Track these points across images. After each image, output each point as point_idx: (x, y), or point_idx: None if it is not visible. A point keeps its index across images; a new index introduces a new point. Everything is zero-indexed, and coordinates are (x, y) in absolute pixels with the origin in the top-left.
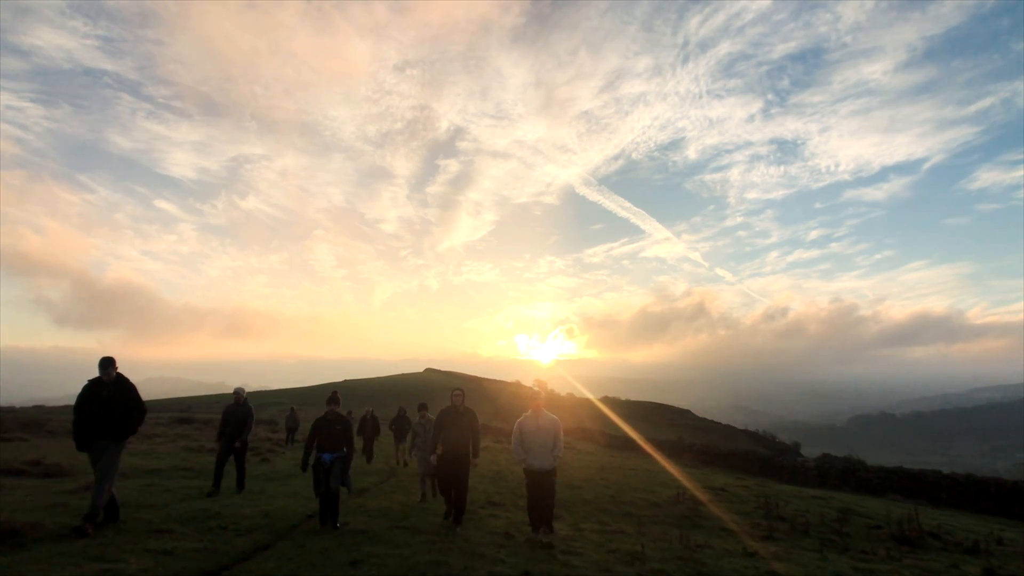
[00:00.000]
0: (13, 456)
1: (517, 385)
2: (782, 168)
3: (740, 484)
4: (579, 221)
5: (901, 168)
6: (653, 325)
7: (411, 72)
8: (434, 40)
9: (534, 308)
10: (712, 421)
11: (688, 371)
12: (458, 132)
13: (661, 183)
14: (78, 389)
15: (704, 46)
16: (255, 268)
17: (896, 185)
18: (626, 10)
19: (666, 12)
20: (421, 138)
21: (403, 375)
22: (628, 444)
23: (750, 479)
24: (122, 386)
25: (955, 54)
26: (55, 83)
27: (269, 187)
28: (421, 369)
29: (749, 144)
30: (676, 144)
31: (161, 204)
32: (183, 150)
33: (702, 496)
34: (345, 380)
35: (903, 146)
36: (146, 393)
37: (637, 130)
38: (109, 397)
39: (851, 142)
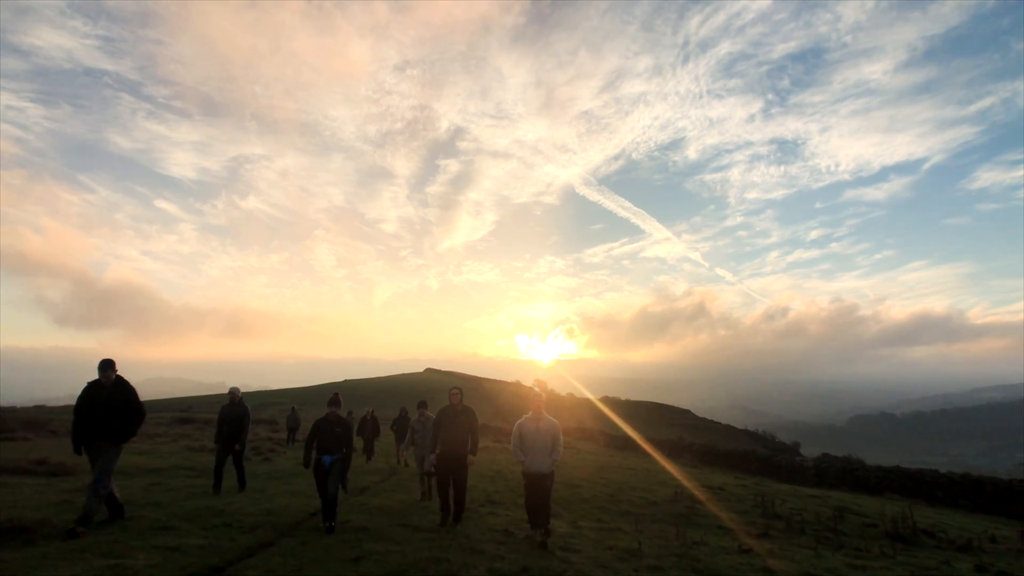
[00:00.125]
0: (18, 455)
1: (517, 385)
2: (782, 168)
3: (738, 483)
4: (579, 221)
5: (901, 168)
6: (653, 325)
7: (411, 72)
8: (434, 40)
9: (534, 308)
10: (712, 421)
11: (688, 371)
12: (458, 132)
13: (661, 183)
14: (78, 389)
15: (704, 46)
16: (255, 268)
17: (896, 185)
18: (626, 10)
19: (666, 12)
20: (421, 138)
21: (403, 375)
22: (628, 444)
23: (748, 478)
24: (121, 389)
25: (955, 54)
26: (55, 83)
27: (269, 187)
28: (421, 369)
29: (749, 144)
30: (676, 144)
31: (161, 204)
32: (183, 150)
33: (700, 495)
34: (345, 380)
35: (903, 146)
36: (146, 393)
37: (637, 130)
38: (108, 399)
39: (851, 142)
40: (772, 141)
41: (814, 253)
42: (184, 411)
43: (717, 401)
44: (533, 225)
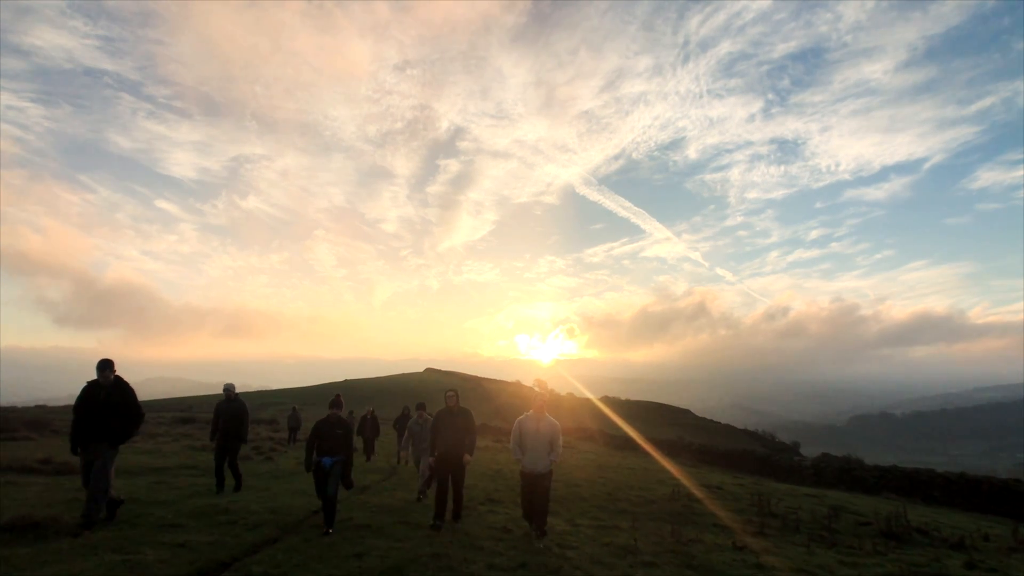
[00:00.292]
0: (23, 454)
1: (517, 385)
2: (782, 168)
3: (736, 482)
4: (579, 221)
5: (902, 168)
6: (653, 325)
7: (411, 72)
8: (435, 40)
9: (534, 308)
10: (712, 421)
11: (689, 371)
12: (458, 132)
13: (661, 183)
14: (79, 389)
15: (704, 46)
16: (255, 268)
17: (897, 185)
18: (626, 10)
19: (666, 12)
20: (421, 138)
21: (403, 375)
22: (627, 444)
23: (747, 478)
24: (120, 390)
25: (956, 54)
26: (55, 83)
27: (269, 187)
28: (421, 369)
29: (749, 144)
30: (676, 144)
31: (161, 204)
32: (183, 150)
33: (698, 493)
34: (346, 380)
35: (904, 146)
36: (147, 393)
37: (637, 130)
38: (106, 400)
39: (852, 142)
40: (772, 141)
41: (814, 253)
42: (184, 411)
43: (717, 401)
44: (533, 225)
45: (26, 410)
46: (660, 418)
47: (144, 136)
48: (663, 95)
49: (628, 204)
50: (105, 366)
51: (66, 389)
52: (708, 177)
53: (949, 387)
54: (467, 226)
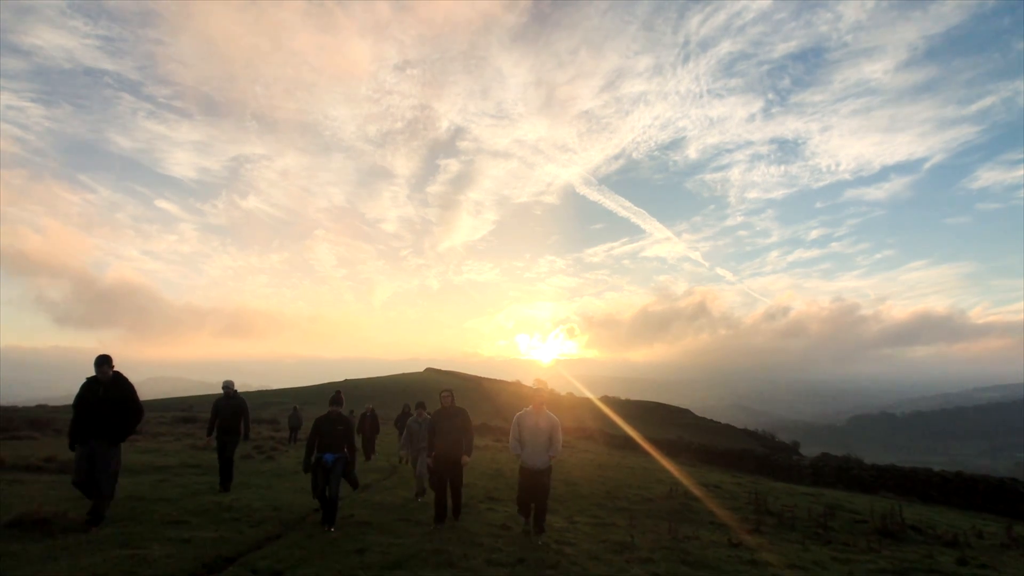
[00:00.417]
0: (28, 453)
1: (517, 385)
2: (783, 167)
3: (734, 481)
4: (579, 221)
5: (902, 167)
6: (654, 325)
7: (412, 72)
8: (435, 39)
9: (535, 308)
10: (711, 420)
11: (689, 371)
12: (458, 132)
13: (661, 183)
14: (79, 389)
15: (705, 45)
16: (256, 268)
17: (897, 184)
18: (627, 9)
19: (667, 11)
20: (422, 138)
21: (404, 375)
22: (627, 443)
23: (745, 477)
24: (119, 385)
25: (956, 53)
26: (56, 83)
27: (270, 187)
28: (422, 369)
29: (750, 143)
30: (677, 143)
31: (162, 204)
32: (184, 150)
33: (696, 492)
34: (346, 380)
35: (904, 145)
36: (147, 393)
37: (638, 129)
38: (105, 397)
39: (852, 141)
40: (772, 141)
41: (814, 253)
42: (185, 411)
43: (717, 401)
44: (533, 225)
45: (27, 410)
46: (660, 418)
47: (144, 136)
48: (663, 95)
49: (628, 204)
50: (103, 361)
51: (66, 389)
52: (708, 177)
53: (949, 387)
54: (467, 226)
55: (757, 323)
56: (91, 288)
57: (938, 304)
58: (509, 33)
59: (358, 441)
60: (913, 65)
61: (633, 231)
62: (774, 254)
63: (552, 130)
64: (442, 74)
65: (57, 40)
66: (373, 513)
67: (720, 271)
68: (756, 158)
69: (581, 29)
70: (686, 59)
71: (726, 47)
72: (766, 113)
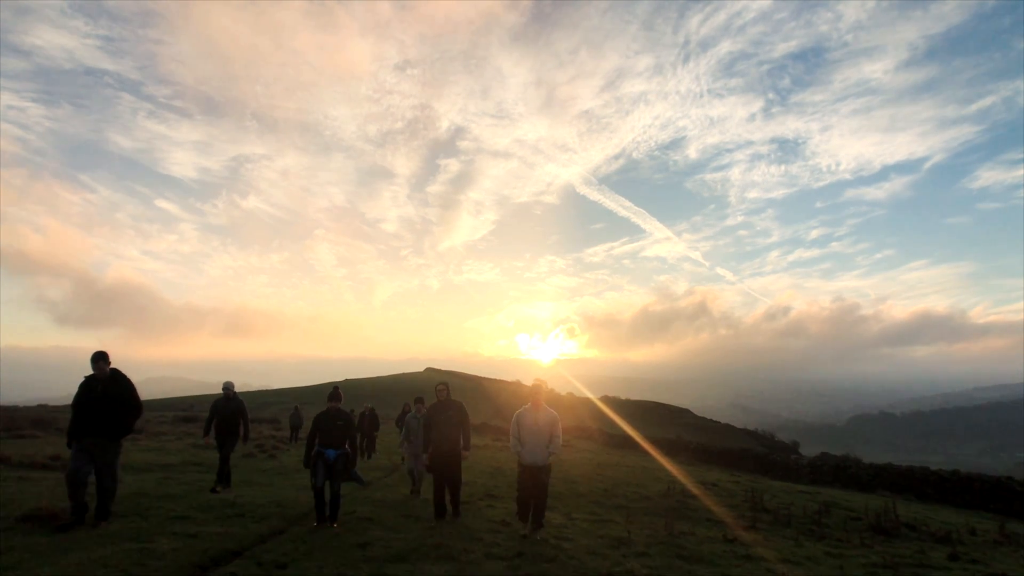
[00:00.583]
0: (33, 451)
1: (517, 384)
2: (783, 167)
3: (732, 480)
4: (580, 220)
5: (902, 167)
6: (654, 324)
7: (412, 71)
8: (435, 39)
9: (535, 307)
10: (711, 420)
11: (689, 370)
12: (459, 131)
13: (662, 182)
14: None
15: (705, 45)
16: (256, 268)
17: (897, 184)
18: (627, 9)
19: (667, 11)
20: (422, 137)
21: (404, 374)
22: (627, 442)
23: (744, 476)
24: (116, 383)
25: (956, 53)
26: (56, 83)
27: (270, 187)
28: (422, 369)
29: (750, 143)
30: (677, 143)
31: (162, 204)
32: (184, 150)
33: (693, 490)
34: (346, 379)
35: (904, 145)
36: (148, 392)
37: (638, 129)
38: (104, 394)
39: (852, 141)
40: (773, 140)
41: (815, 252)
42: (185, 410)
43: (718, 400)
44: (533, 224)
45: (28, 409)
46: (659, 417)
47: (144, 136)
48: (663, 95)
49: (628, 204)
50: (99, 358)
51: (67, 389)
52: (708, 177)
53: (949, 387)
54: (467, 226)
55: (757, 323)
56: (91, 288)
57: (938, 304)
58: (509, 33)
59: (358, 440)
60: (913, 65)
61: (633, 231)
62: (774, 254)
63: (552, 130)
64: (442, 74)
65: (57, 40)
66: (374, 509)
67: (720, 271)
68: (756, 158)
69: (581, 29)
70: (686, 59)
71: (726, 47)
72: (766, 113)
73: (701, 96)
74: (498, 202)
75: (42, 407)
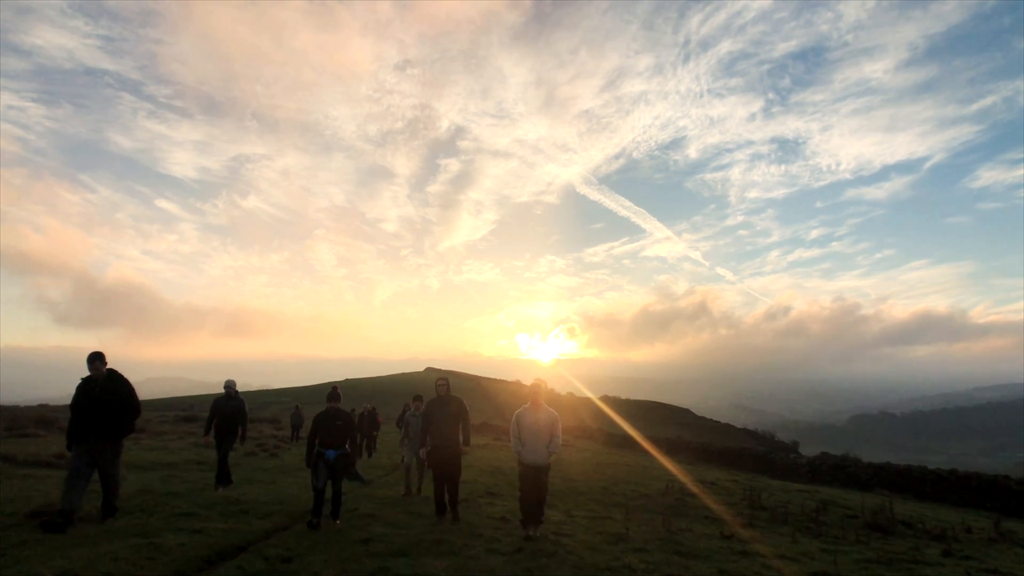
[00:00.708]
0: (37, 450)
1: (517, 384)
2: (783, 167)
3: (731, 479)
4: (580, 220)
5: (902, 167)
6: (654, 324)
7: (412, 71)
8: (436, 38)
9: (535, 307)
10: (711, 420)
11: (690, 370)
12: (459, 131)
13: (662, 182)
14: None
15: (705, 45)
16: (256, 267)
17: (897, 184)
18: (627, 9)
19: (667, 11)
20: (422, 137)
21: (404, 374)
22: (626, 442)
23: (743, 475)
24: (114, 383)
25: (957, 52)
26: (56, 83)
27: (270, 186)
28: (422, 368)
29: (750, 143)
30: (677, 143)
31: (162, 204)
32: (184, 149)
33: (692, 488)
34: (346, 379)
35: (904, 145)
36: (148, 392)
37: (638, 129)
38: (101, 395)
39: (852, 141)
40: (773, 140)
41: (815, 252)
42: (186, 410)
43: (718, 400)
44: (534, 224)
45: (31, 409)
46: (660, 417)
47: (145, 136)
48: (664, 94)
49: (628, 203)
50: (95, 358)
51: (67, 389)
52: (708, 176)
53: (949, 387)
54: (467, 226)
55: (758, 323)
56: (91, 288)
57: (939, 304)
58: (510, 32)
59: (358, 440)
60: (914, 64)
61: (633, 231)
62: (774, 254)
63: (552, 130)
64: (443, 74)
65: (58, 40)
66: (377, 507)
67: (720, 271)
68: (756, 157)
69: (581, 28)
70: (686, 59)
71: (726, 46)
72: (766, 112)
73: (701, 96)
74: (498, 202)
75: (43, 407)
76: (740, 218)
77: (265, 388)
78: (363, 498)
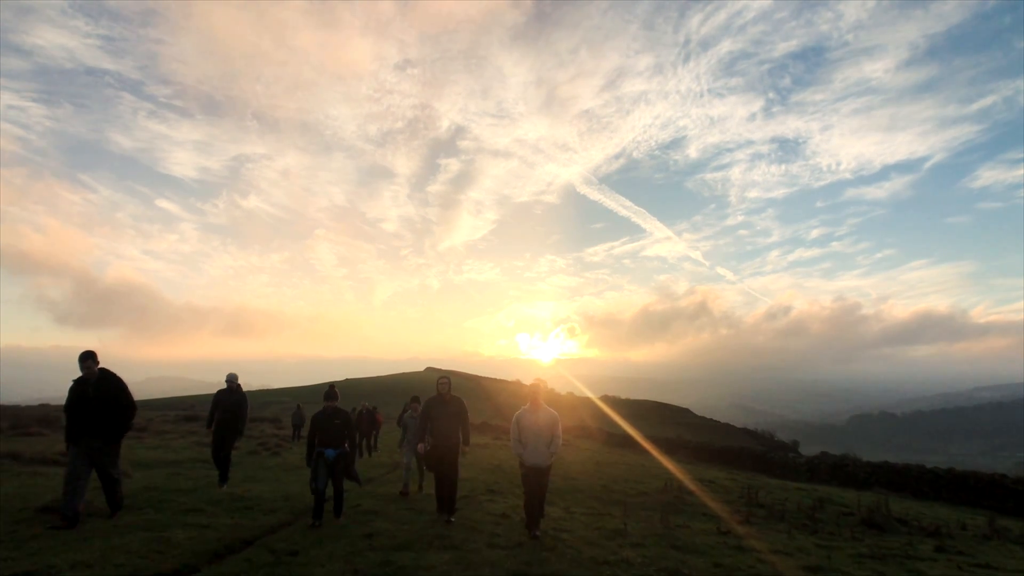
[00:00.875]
0: (41, 448)
1: (517, 384)
2: (783, 167)
3: (729, 477)
4: (580, 220)
5: (902, 166)
6: (654, 324)
7: (412, 71)
8: (436, 38)
9: (535, 307)
10: (711, 420)
11: (690, 370)
12: (459, 131)
13: (662, 182)
14: None
15: (705, 44)
16: (256, 267)
17: (897, 184)
18: (627, 8)
19: (667, 10)
20: (422, 137)
21: (404, 374)
22: (626, 441)
23: (741, 473)
24: (107, 383)
25: (957, 52)
26: (57, 83)
27: (270, 186)
28: (422, 368)
29: (750, 143)
30: (677, 143)
31: (162, 203)
32: (184, 149)
33: (690, 487)
34: (346, 379)
35: (904, 144)
36: (148, 392)
37: (638, 129)
38: (95, 395)
39: (852, 140)
40: (773, 140)
41: (815, 252)
42: (186, 410)
43: (718, 400)
44: (534, 224)
45: (33, 408)
46: (659, 417)
47: (145, 135)
48: (664, 94)
49: (629, 203)
50: (87, 357)
51: (66, 388)
52: (709, 176)
53: (949, 387)
54: (467, 225)
55: (758, 322)
56: (91, 287)
57: (939, 303)
58: (510, 32)
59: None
60: (914, 64)
61: (633, 230)
62: (775, 253)
63: (552, 129)
64: (443, 73)
65: (58, 40)
66: (379, 503)
67: (721, 270)
68: (757, 157)
69: (582, 28)
70: (687, 58)
71: (727, 46)
72: (767, 112)
73: (701, 96)
74: (498, 202)
75: (43, 406)
76: (740, 218)
77: (265, 388)
78: (365, 495)
